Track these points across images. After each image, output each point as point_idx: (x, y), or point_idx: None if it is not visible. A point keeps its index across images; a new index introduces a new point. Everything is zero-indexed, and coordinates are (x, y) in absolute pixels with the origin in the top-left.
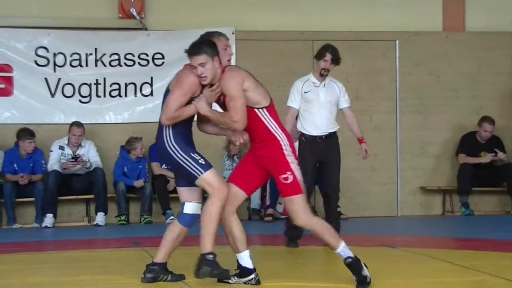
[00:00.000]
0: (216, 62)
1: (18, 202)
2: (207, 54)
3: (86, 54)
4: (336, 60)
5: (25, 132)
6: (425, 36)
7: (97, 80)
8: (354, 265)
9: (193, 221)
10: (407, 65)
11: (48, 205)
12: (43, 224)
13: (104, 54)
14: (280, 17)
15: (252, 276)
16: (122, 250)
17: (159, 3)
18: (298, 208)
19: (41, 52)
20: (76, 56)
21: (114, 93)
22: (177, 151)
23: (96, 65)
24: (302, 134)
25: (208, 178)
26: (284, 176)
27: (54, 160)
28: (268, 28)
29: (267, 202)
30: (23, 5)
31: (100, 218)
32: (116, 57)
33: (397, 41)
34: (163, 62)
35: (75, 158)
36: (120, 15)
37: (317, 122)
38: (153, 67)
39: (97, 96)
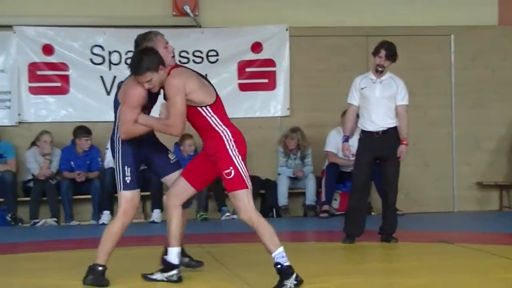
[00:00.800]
0: (161, 70)
1: (75, 200)
2: (151, 69)
3: None
4: (391, 57)
5: (82, 130)
6: (480, 30)
7: None
8: (282, 272)
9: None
10: (462, 59)
11: (105, 202)
12: (100, 221)
13: None
14: (333, 13)
15: (175, 272)
16: None
17: (213, 1)
18: (241, 204)
19: (96, 50)
20: (131, 54)
21: None
22: (118, 157)
23: None
24: (361, 131)
25: (123, 197)
26: (227, 171)
27: (111, 158)
28: (321, 24)
29: (323, 198)
30: (78, 5)
31: (156, 215)
32: None
33: (452, 36)
34: (217, 59)
35: None
36: (174, 13)
37: (373, 118)
38: (207, 64)
39: None
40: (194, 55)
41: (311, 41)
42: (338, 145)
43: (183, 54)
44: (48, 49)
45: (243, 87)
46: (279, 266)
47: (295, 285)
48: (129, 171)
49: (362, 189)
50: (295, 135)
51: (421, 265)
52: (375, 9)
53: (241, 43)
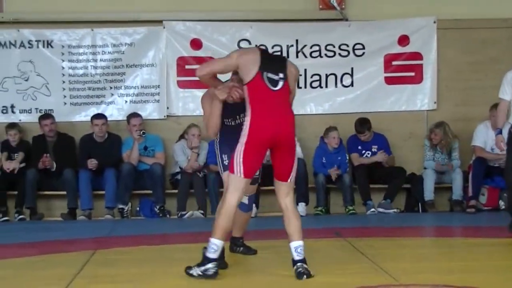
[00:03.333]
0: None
1: (222, 192)
2: None
3: (287, 46)
4: None
5: None
6: None
7: None
8: (203, 257)
9: (245, 207)
10: None
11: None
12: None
13: (305, 46)
14: (482, 5)
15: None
16: (323, 240)
17: None
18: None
19: (243, 44)
20: (277, 48)
21: (315, 84)
22: (217, 150)
23: (297, 57)
24: (511, 125)
25: (225, 178)
26: None
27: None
28: (470, 16)
29: (470, 193)
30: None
31: (301, 208)
32: (317, 48)
33: None
34: (363, 53)
35: None
36: (320, 6)
37: None
38: (353, 58)
39: (298, 87)
40: (340, 49)
41: (459, 33)
42: (485, 139)
43: (329, 47)
44: (196, 44)
45: (389, 81)
46: (204, 250)
47: (198, 274)
48: (226, 156)
49: None
50: (438, 130)
51: None
52: None
53: (387, 36)
